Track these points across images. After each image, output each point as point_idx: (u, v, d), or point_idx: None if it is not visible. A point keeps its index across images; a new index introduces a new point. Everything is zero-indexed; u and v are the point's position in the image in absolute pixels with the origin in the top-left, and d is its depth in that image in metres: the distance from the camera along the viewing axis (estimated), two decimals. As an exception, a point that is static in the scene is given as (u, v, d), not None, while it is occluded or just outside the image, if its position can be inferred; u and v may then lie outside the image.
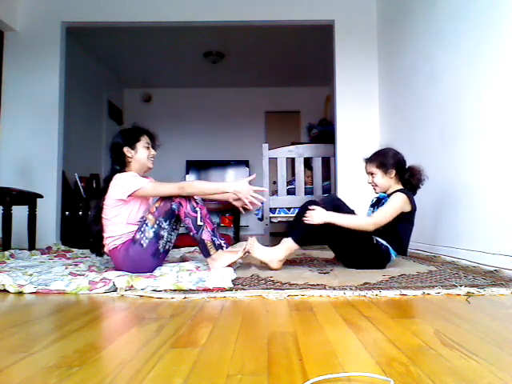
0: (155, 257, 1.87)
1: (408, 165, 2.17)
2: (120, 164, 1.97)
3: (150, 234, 1.84)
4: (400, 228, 2.03)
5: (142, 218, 1.90)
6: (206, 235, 1.90)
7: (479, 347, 0.87)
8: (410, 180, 2.12)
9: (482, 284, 1.54)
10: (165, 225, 1.87)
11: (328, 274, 1.86)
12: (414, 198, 2.09)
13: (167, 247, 1.93)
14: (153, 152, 2.03)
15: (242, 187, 1.93)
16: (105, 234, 1.90)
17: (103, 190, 1.93)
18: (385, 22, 3.83)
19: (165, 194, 1.88)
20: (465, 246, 2.31)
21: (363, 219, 2.05)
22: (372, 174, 2.16)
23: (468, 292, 1.42)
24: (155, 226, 1.85)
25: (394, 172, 2.11)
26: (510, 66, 1.93)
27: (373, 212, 2.12)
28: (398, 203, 2.02)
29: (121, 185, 1.87)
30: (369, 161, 2.19)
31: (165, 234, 1.88)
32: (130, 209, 1.88)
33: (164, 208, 1.87)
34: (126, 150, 1.95)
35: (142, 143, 1.98)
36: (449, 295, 1.40)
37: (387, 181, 2.13)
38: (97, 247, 1.97)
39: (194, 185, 1.91)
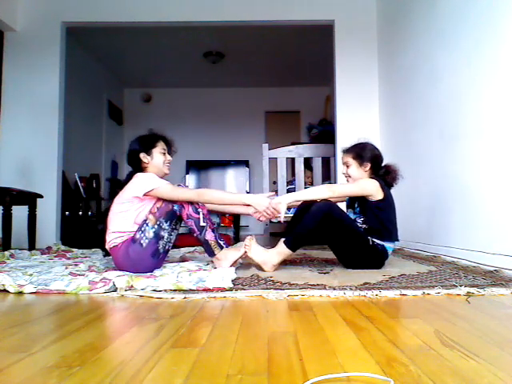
0: (155, 257, 1.86)
1: (385, 163, 2.18)
2: (137, 170, 2.00)
3: (150, 234, 1.84)
4: (383, 217, 2.03)
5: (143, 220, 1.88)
6: (209, 235, 1.91)
7: (479, 347, 0.87)
8: (385, 177, 2.12)
9: (482, 284, 1.54)
10: (165, 225, 1.87)
11: (328, 274, 1.86)
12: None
13: (167, 247, 1.93)
14: (169, 158, 2.05)
15: (260, 201, 1.95)
16: (109, 228, 1.89)
17: (118, 191, 1.96)
18: (385, 22, 3.83)
19: (182, 198, 1.87)
20: (465, 246, 2.31)
21: (320, 190, 2.07)
22: (347, 165, 2.16)
23: (468, 292, 1.42)
24: (156, 226, 1.84)
25: (369, 165, 2.12)
26: (509, 66, 1.93)
27: (353, 213, 2.14)
28: (363, 183, 2.05)
29: (140, 182, 1.88)
30: (346, 151, 2.20)
31: (165, 234, 1.87)
32: (141, 208, 1.87)
33: (165, 209, 1.87)
34: (142, 155, 1.97)
35: (158, 149, 2.00)
36: (449, 295, 1.40)
37: (361, 173, 2.13)
38: (102, 246, 1.98)
39: (212, 193, 1.93)
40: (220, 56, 5.82)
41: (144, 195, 1.85)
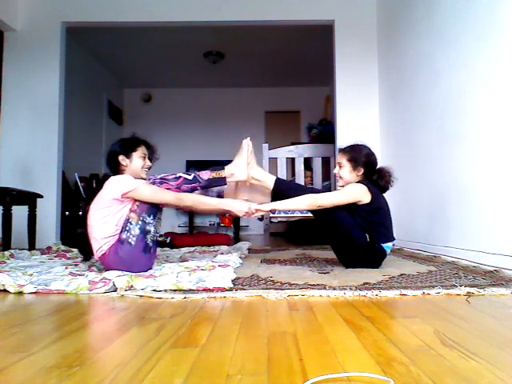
0: (146, 252, 1.84)
1: (378, 166, 2.15)
2: (114, 171, 1.98)
3: (135, 231, 1.81)
4: (373, 220, 2.01)
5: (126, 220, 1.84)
6: (206, 175, 2.05)
7: (479, 347, 0.87)
8: (378, 181, 2.09)
9: (482, 284, 1.54)
10: (149, 219, 1.85)
11: (328, 273, 1.86)
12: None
13: (155, 239, 1.90)
14: (148, 163, 2.01)
15: (238, 207, 1.96)
16: (93, 237, 1.84)
17: (93, 195, 1.90)
18: (385, 22, 3.83)
19: (162, 201, 1.86)
20: (465, 245, 2.31)
21: (303, 201, 2.01)
22: (341, 165, 2.14)
23: (468, 292, 1.42)
24: (139, 222, 1.82)
25: (362, 171, 2.10)
26: (509, 66, 1.93)
27: None
28: (349, 190, 2.03)
29: (116, 184, 1.84)
30: (342, 151, 2.16)
31: (151, 228, 1.85)
32: (122, 212, 1.83)
33: (146, 204, 1.84)
34: (121, 158, 1.95)
35: (138, 153, 1.98)
36: (449, 295, 1.40)
37: (353, 177, 2.11)
38: (83, 250, 1.95)
39: (192, 198, 1.93)
40: (220, 56, 5.82)
41: (123, 196, 1.81)
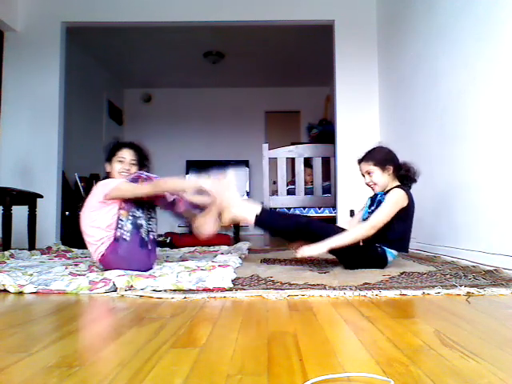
0: (143, 247, 1.86)
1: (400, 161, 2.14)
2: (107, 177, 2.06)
3: (128, 226, 1.83)
4: (398, 225, 1.99)
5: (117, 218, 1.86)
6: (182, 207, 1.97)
7: (479, 347, 0.87)
8: (408, 175, 2.09)
9: (482, 284, 1.54)
10: (139, 213, 1.86)
11: (328, 273, 1.86)
12: (414, 195, 2.08)
13: (151, 237, 1.91)
14: (126, 167, 2.02)
15: (219, 187, 1.90)
16: (88, 241, 1.87)
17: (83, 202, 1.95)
18: (385, 22, 3.83)
19: (142, 194, 1.86)
20: (465, 245, 2.31)
21: (359, 230, 1.96)
22: (369, 172, 2.10)
23: (468, 292, 1.42)
24: (130, 217, 1.84)
25: (391, 168, 2.07)
26: (509, 66, 1.93)
27: (371, 213, 2.09)
28: (395, 200, 1.99)
29: (100, 188, 1.89)
30: (364, 160, 2.12)
31: (142, 222, 1.87)
32: (109, 213, 1.84)
33: (131, 201, 1.86)
34: (106, 165, 2.07)
35: (117, 157, 2.04)
36: (449, 295, 1.40)
37: (386, 178, 2.08)
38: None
39: (168, 181, 1.90)
40: (220, 56, 5.82)
41: (105, 198, 1.84)
